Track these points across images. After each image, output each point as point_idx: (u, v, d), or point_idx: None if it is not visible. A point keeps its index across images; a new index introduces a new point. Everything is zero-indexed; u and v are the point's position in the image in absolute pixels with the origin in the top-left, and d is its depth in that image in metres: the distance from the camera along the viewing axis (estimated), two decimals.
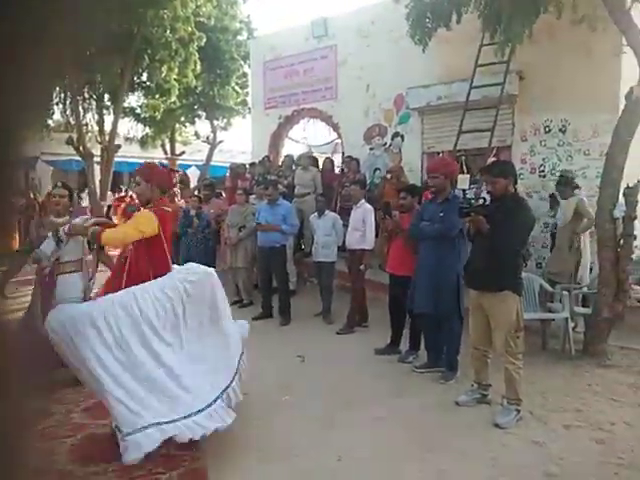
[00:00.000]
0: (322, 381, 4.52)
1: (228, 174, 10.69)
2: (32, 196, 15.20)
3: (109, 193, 16.34)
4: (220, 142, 22.37)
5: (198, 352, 3.30)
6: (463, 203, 4.09)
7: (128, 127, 19.79)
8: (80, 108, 15.89)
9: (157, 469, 3.02)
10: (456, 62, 7.73)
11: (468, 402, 4.01)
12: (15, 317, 4.42)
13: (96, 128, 17.41)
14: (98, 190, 15.45)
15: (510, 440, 3.48)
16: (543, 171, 7.30)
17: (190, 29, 14.68)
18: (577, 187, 6.00)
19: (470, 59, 7.25)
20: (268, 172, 9.47)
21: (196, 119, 22.58)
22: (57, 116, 18.82)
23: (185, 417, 2.99)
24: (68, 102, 16.92)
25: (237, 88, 20.96)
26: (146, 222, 3.27)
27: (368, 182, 8.46)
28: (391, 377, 4.62)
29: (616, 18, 5.08)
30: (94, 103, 17.47)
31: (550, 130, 7.23)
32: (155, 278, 3.28)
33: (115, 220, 8.87)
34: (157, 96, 16.91)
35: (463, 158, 7.97)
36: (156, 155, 21.66)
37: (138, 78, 17.20)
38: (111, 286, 3.40)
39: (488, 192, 3.97)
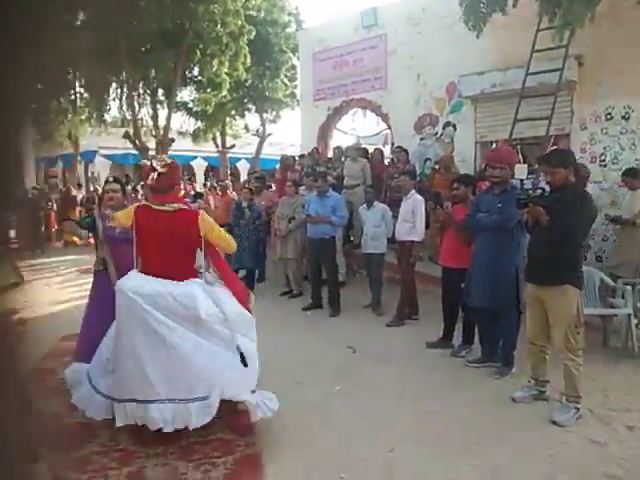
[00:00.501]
0: (373, 372, 4.52)
1: (278, 166, 10.80)
2: (92, 189, 15.90)
3: None
4: (269, 135, 22.60)
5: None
6: (521, 194, 3.97)
7: (181, 121, 20.31)
8: (135, 103, 16.39)
9: (213, 453, 3.12)
10: (511, 48, 7.48)
11: (525, 398, 3.91)
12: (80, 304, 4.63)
13: (150, 122, 17.96)
14: None
15: (569, 438, 3.37)
16: (604, 160, 6.98)
17: (240, 22, 14.88)
18: None
19: (526, 44, 6.99)
20: (317, 164, 9.50)
21: (246, 112, 22.90)
22: (114, 112, 19.59)
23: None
24: (124, 98, 17.54)
25: (286, 81, 21.10)
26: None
27: (418, 172, 8.34)
28: (443, 371, 4.56)
29: None
30: (148, 98, 18.03)
31: (612, 117, 6.89)
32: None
33: None
34: (208, 90, 17.25)
35: (519, 147, 7.72)
36: (207, 148, 22.13)
37: (190, 73, 17.60)
38: None
39: (547, 182, 3.82)
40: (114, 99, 18.00)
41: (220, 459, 3.04)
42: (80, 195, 15.47)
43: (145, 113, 18.13)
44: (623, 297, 5.10)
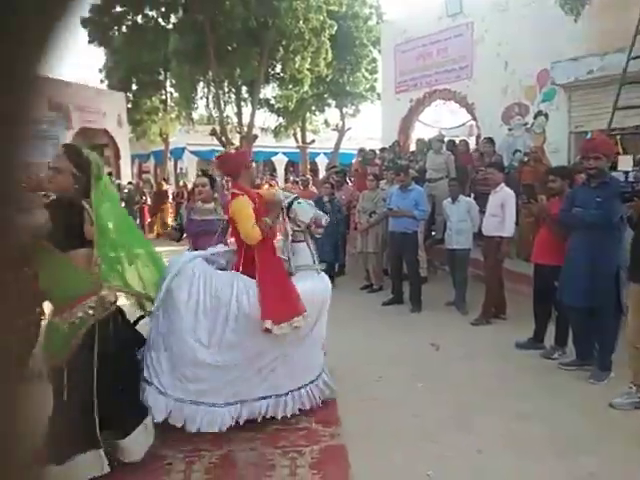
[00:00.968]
0: (458, 371, 4.41)
1: (356, 160, 10.79)
2: (181, 184, 16.74)
3: None
4: (349, 129, 22.63)
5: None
6: (625, 187, 3.68)
7: (263, 118, 20.85)
8: (221, 101, 17.00)
9: (299, 441, 3.18)
10: (611, 31, 6.95)
11: (624, 405, 3.64)
12: None
13: (235, 120, 18.58)
14: None
15: None
16: None
17: (322, 18, 14.97)
18: None
19: (629, 26, 6.46)
20: (399, 157, 9.38)
21: (326, 107, 23.07)
22: (201, 110, 20.48)
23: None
24: (211, 96, 18.28)
25: (366, 74, 21.00)
26: None
27: (506, 165, 7.99)
28: (534, 373, 4.35)
29: None
30: (233, 96, 18.66)
31: None
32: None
33: None
34: (290, 86, 17.54)
35: (618, 138, 7.17)
36: (288, 144, 22.57)
37: (272, 70, 17.99)
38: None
39: None
40: (201, 98, 18.84)
41: (306, 448, 3.10)
42: (170, 189, 16.34)
43: (230, 110, 18.81)
44: None
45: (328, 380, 3.67)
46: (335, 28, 16.02)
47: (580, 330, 4.36)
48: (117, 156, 16.36)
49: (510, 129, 8.88)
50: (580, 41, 7.47)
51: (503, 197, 5.60)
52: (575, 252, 4.16)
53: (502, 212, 5.57)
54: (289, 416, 3.37)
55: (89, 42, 16.93)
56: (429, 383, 4.14)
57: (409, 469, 2.93)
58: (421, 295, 6.47)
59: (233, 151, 3.61)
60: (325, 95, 21.74)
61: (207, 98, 18.67)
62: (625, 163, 5.74)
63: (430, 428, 3.39)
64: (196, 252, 3.64)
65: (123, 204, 13.61)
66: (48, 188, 2.53)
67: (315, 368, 3.57)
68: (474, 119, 10.25)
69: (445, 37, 10.39)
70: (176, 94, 20.17)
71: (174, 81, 19.20)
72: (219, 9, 13.15)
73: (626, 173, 5.77)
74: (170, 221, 13.32)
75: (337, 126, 23.19)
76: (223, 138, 15.76)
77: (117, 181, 14.89)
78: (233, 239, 3.74)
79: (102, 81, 19.51)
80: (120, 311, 2.87)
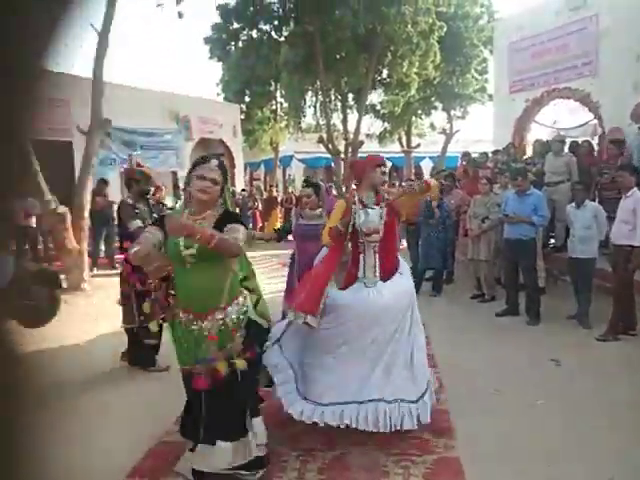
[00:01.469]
0: (581, 390, 4.08)
1: (462, 163, 10.45)
2: (290, 190, 17.35)
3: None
4: (457, 132, 22.01)
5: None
6: None
7: (368, 124, 20.93)
8: (328, 109, 17.35)
9: (411, 450, 3.14)
10: None
11: None
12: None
13: (341, 127, 18.86)
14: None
15: None
16: None
17: (431, 20, 14.73)
18: None
19: None
20: (513, 160, 8.93)
21: (432, 111, 22.64)
22: (308, 118, 21.05)
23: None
24: (318, 105, 18.72)
25: (476, 75, 20.32)
26: None
27: (637, 166, 7.28)
28: None
29: None
30: (339, 103, 18.96)
31: None
32: None
33: None
34: (397, 91, 17.44)
35: None
36: (393, 149, 22.43)
37: (379, 75, 18.01)
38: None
39: None
40: (309, 106, 19.37)
41: (419, 457, 3.04)
42: (279, 196, 16.99)
43: (336, 118, 19.13)
44: None
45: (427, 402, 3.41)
46: (444, 29, 15.67)
47: None
48: (232, 165, 17.33)
49: None
50: None
51: (635, 202, 5.12)
52: None
53: (634, 218, 5.09)
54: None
55: (209, 58, 18.15)
56: (549, 401, 3.88)
57: None
58: (539, 307, 6.09)
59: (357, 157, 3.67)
60: (432, 98, 21.33)
61: (315, 107, 19.15)
62: None
63: (549, 449, 3.17)
64: None
65: (237, 209, 14.40)
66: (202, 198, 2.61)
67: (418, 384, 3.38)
68: (598, 118, 9.49)
69: (565, 32, 9.74)
70: (285, 104, 20.94)
71: (284, 91, 19.95)
72: (328, 19, 13.44)
73: None
74: (279, 225, 13.86)
75: (444, 129, 22.63)
76: (330, 145, 16.05)
77: (232, 188, 15.76)
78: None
79: (218, 94, 20.80)
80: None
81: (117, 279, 4.70)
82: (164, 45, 60.41)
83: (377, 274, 3.35)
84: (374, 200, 3.42)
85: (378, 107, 20.26)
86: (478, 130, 22.15)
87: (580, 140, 9.17)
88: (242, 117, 19.47)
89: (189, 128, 15.50)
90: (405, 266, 3.63)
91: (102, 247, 10.09)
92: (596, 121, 9.89)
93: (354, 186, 4.65)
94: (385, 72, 17.84)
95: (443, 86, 19.75)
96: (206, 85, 73.32)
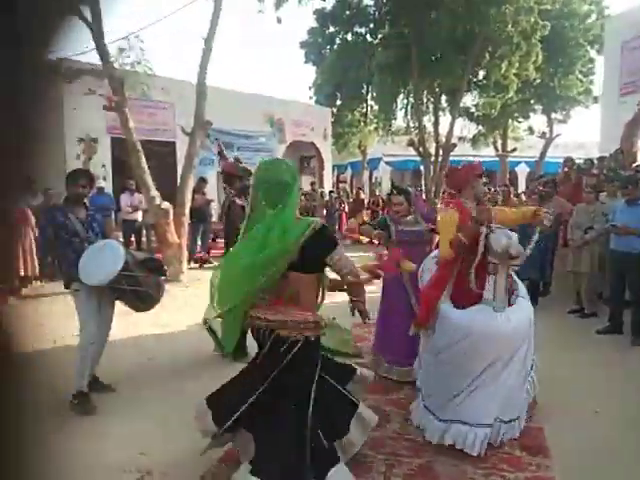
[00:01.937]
0: None
1: (562, 170, 9.84)
2: (377, 193, 17.31)
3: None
4: (557, 136, 20.83)
5: None
6: None
7: (461, 126, 20.39)
8: (420, 112, 17.10)
9: (503, 465, 3.02)
10: None
11: None
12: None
13: (431, 129, 18.52)
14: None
15: None
16: None
17: (533, 19, 14.03)
18: None
19: None
20: (622, 167, 8.30)
21: (531, 113, 21.62)
22: (399, 121, 20.89)
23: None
24: (409, 107, 18.51)
25: (580, 76, 19.11)
26: None
27: None
28: None
29: None
30: (431, 106, 18.63)
31: None
32: None
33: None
34: (493, 93, 16.83)
35: None
36: (486, 153, 21.67)
37: (475, 77, 17.47)
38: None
39: None
40: (400, 109, 19.19)
41: (511, 474, 2.92)
42: (366, 198, 17.02)
43: (427, 120, 18.82)
44: None
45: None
46: (547, 29, 14.87)
47: None
48: (321, 167, 17.65)
49: None
50: None
51: None
52: None
53: None
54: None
55: (305, 62, 18.57)
56: None
57: None
58: None
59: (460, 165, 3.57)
60: (531, 100, 20.35)
61: (406, 109, 18.95)
62: None
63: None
64: None
65: (325, 211, 14.61)
66: None
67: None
68: None
69: None
70: (376, 107, 20.91)
71: (375, 94, 19.93)
72: (425, 21, 13.25)
73: None
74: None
75: (543, 133, 21.49)
76: (420, 148, 15.81)
77: (320, 189, 16.01)
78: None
79: (310, 97, 21.22)
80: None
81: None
82: (262, 49, 62.68)
83: (506, 299, 3.22)
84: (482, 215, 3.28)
85: (472, 109, 19.66)
86: (580, 134, 20.83)
87: None
88: (332, 120, 19.71)
89: (282, 131, 15.96)
90: (522, 287, 3.52)
91: (199, 242, 10.65)
92: None
93: (443, 193, 4.53)
94: (482, 73, 17.27)
95: (544, 88, 18.76)
96: (299, 89, 75.08)
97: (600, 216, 6.46)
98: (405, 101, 18.95)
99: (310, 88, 21.37)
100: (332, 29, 16.07)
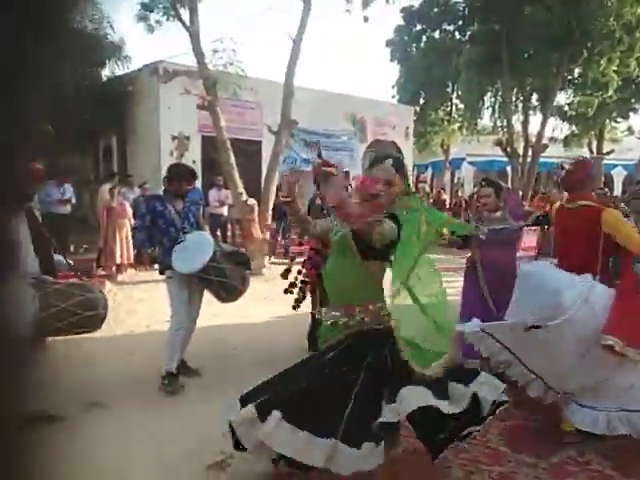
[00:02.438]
0: None
1: None
2: (459, 194, 16.86)
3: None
4: None
5: None
6: None
7: (553, 126, 19.38)
8: (508, 110, 16.48)
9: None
10: None
11: None
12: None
13: (519, 129, 17.76)
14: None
15: None
16: None
17: (639, 11, 13.03)
18: None
19: None
20: None
21: (631, 113, 20.13)
22: (485, 120, 20.22)
23: None
24: (497, 106, 17.86)
25: None
26: None
27: None
28: None
29: None
30: (520, 104, 17.86)
31: None
32: None
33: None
34: (590, 91, 15.84)
35: None
36: (580, 154, 20.44)
37: (570, 74, 16.55)
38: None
39: None
40: (487, 107, 18.57)
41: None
42: (447, 199, 16.63)
43: (515, 120, 18.07)
44: None
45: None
46: None
47: None
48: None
49: None
50: None
51: None
52: None
53: None
54: None
55: (390, 60, 18.46)
56: None
57: None
58: None
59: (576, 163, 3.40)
60: (632, 99, 18.93)
61: (493, 107, 18.31)
62: None
63: None
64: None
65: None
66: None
67: None
68: None
69: None
70: (461, 105, 20.37)
71: (460, 92, 19.43)
72: (519, 16, 12.72)
73: None
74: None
75: None
76: (508, 148, 15.21)
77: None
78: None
79: (393, 96, 21.04)
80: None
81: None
82: (347, 48, 62.97)
83: None
84: None
85: (565, 108, 18.61)
86: None
87: None
88: (414, 119, 19.45)
89: (364, 130, 15.98)
90: None
91: (279, 238, 10.96)
92: None
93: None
94: (577, 71, 16.30)
95: None
96: (382, 87, 74.70)
97: None
98: (492, 99, 18.32)
99: (393, 87, 21.21)
100: (419, 27, 15.85)
